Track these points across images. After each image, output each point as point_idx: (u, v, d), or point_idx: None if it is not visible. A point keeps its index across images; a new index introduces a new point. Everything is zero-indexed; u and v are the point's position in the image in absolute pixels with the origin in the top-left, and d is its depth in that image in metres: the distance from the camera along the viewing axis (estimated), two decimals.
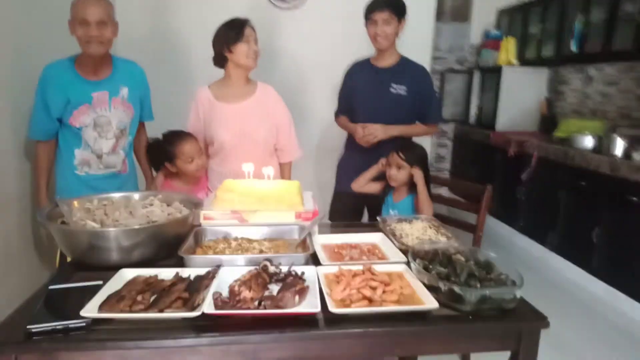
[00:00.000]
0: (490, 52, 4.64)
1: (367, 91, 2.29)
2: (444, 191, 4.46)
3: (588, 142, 3.19)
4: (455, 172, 5.16)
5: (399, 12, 2.19)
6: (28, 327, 0.98)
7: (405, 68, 2.28)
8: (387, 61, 2.28)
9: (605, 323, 2.71)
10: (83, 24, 1.72)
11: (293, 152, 2.19)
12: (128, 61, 2.00)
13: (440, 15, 4.76)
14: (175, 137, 1.99)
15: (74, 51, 1.88)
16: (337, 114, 2.49)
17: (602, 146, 3.03)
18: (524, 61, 4.33)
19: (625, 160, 2.78)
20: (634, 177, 2.65)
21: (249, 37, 1.96)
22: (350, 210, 2.35)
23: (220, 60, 2.02)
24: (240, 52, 1.96)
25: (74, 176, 1.90)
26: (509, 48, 4.39)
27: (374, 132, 2.18)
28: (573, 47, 3.62)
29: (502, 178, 4.15)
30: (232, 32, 1.95)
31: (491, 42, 4.68)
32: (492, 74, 4.41)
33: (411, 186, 2.03)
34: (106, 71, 1.88)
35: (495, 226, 4.20)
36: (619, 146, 2.91)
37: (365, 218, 2.46)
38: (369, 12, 2.20)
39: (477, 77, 4.70)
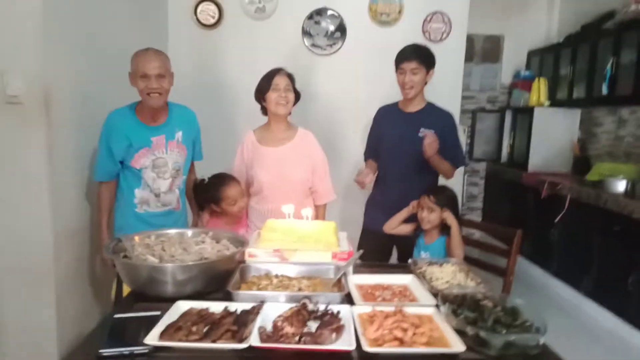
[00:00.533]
0: (521, 92, 4.71)
1: (396, 135, 2.40)
2: (476, 233, 4.49)
3: (621, 186, 3.19)
4: (487, 212, 5.17)
5: (428, 62, 2.32)
6: (99, 351, 1.12)
7: (432, 113, 2.41)
8: (415, 107, 2.41)
9: None
10: (144, 78, 1.92)
11: (327, 195, 2.31)
12: (182, 106, 2.20)
13: (471, 56, 4.91)
14: (220, 181, 2.16)
15: (133, 98, 2.08)
16: (366, 156, 2.62)
17: (636, 191, 3.02)
18: (555, 102, 4.38)
19: None
20: None
21: (279, 85, 2.12)
22: (379, 250, 2.40)
23: (263, 109, 2.22)
24: (270, 100, 2.14)
25: (133, 214, 2.07)
26: (540, 89, 4.45)
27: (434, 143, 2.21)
28: (604, 89, 3.66)
29: (534, 219, 4.14)
30: (264, 82, 2.15)
31: (522, 82, 4.76)
32: (524, 114, 4.47)
33: (442, 228, 2.11)
34: (163, 117, 2.07)
35: (528, 269, 4.17)
36: None
37: (394, 258, 2.53)
38: (399, 62, 2.34)
39: (508, 117, 4.76)
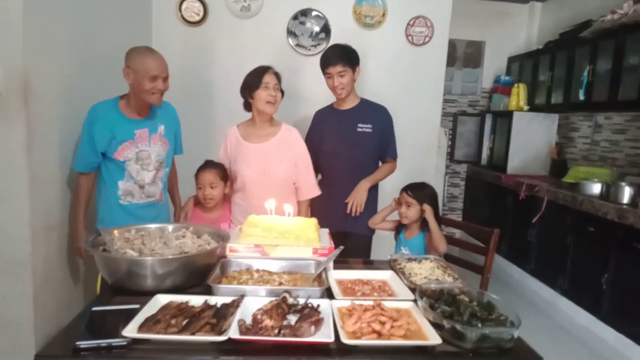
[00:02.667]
0: (501, 97, 4.81)
1: (335, 132, 2.44)
2: (457, 232, 4.56)
3: (596, 188, 3.28)
4: (468, 212, 5.26)
5: (353, 62, 2.37)
6: (76, 343, 1.11)
7: (368, 108, 2.47)
8: (350, 104, 2.47)
9: None
10: (153, 79, 1.93)
11: (311, 191, 2.32)
12: (164, 102, 2.19)
13: (453, 60, 4.99)
14: (203, 164, 2.24)
15: (116, 91, 2.09)
16: None
17: (610, 193, 3.12)
18: (534, 106, 4.48)
19: (631, 208, 2.86)
20: None
21: (268, 84, 2.13)
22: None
23: (247, 105, 2.23)
24: (258, 98, 2.15)
25: (117, 206, 2.07)
26: (519, 94, 4.55)
27: (359, 201, 2.36)
28: (581, 95, 3.76)
29: (513, 220, 4.23)
30: (253, 79, 2.16)
31: (502, 87, 4.86)
32: (503, 118, 4.56)
33: (422, 224, 2.15)
34: (146, 111, 2.08)
35: (506, 267, 4.25)
36: (627, 194, 2.99)
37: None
38: (324, 67, 2.38)
39: (489, 120, 4.85)
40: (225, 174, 2.23)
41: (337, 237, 2.43)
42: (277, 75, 2.21)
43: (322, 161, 2.49)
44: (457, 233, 4.57)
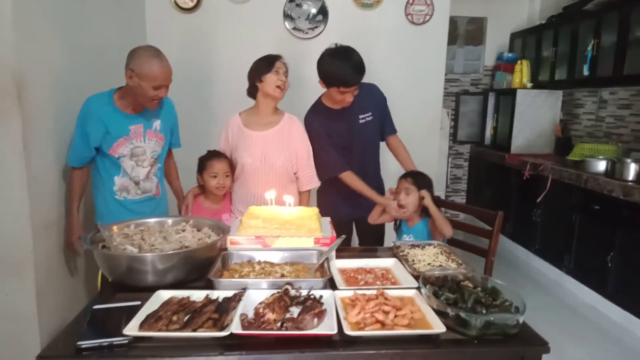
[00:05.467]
0: (504, 75, 4.73)
1: (339, 131, 2.30)
2: (460, 215, 4.53)
3: (601, 166, 3.24)
4: (472, 193, 5.22)
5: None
6: (78, 343, 1.11)
7: (362, 95, 2.26)
8: None
9: (619, 347, 2.73)
10: (157, 88, 1.88)
11: (311, 182, 2.28)
12: None
13: (454, 38, 4.90)
14: (211, 153, 2.21)
15: (110, 81, 2.05)
16: (343, 168, 2.31)
17: (615, 170, 3.07)
18: (537, 84, 4.40)
19: (637, 185, 2.82)
20: None
21: (279, 70, 2.11)
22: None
23: (252, 90, 2.19)
24: (269, 81, 2.11)
25: (114, 201, 2.05)
26: (523, 71, 4.47)
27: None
28: (585, 71, 3.69)
29: (517, 199, 4.20)
30: (264, 64, 2.13)
31: (505, 64, 4.78)
32: (507, 96, 4.49)
33: (423, 210, 2.13)
34: (141, 106, 2.03)
35: (511, 247, 4.24)
36: (632, 171, 2.95)
37: (355, 242, 2.55)
38: (340, 85, 2.12)
39: (491, 99, 4.78)
40: (232, 164, 2.21)
41: (349, 227, 2.42)
42: (286, 66, 2.18)
43: (331, 157, 2.33)
44: (461, 216, 4.55)
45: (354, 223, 2.50)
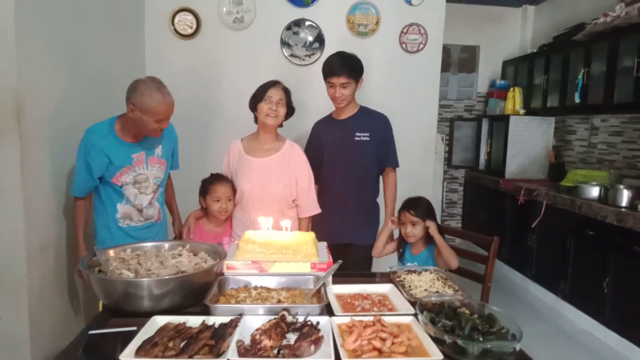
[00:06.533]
0: (497, 101, 4.82)
1: (333, 142, 2.42)
2: (456, 239, 4.54)
3: (594, 192, 3.28)
4: (467, 217, 5.25)
5: (357, 74, 2.33)
6: None
7: (367, 117, 2.44)
8: (348, 113, 2.44)
9: None
10: (159, 121, 1.91)
11: (311, 209, 2.29)
12: None
13: (447, 66, 5.01)
14: (214, 177, 2.23)
15: (111, 109, 2.07)
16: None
17: (609, 196, 3.11)
18: (530, 110, 4.49)
19: (630, 211, 2.85)
20: None
21: (272, 98, 2.13)
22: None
23: (255, 117, 2.22)
24: (260, 110, 2.14)
25: (116, 228, 2.05)
26: (515, 97, 4.56)
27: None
28: (576, 98, 3.77)
29: (512, 224, 4.22)
30: (259, 92, 2.16)
31: (497, 91, 4.89)
32: (500, 122, 4.57)
33: (427, 238, 2.13)
34: (143, 134, 2.03)
35: (507, 273, 4.24)
36: (625, 197, 2.99)
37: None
38: (327, 75, 2.33)
39: (485, 125, 4.86)
40: (234, 188, 2.22)
41: (338, 249, 2.39)
42: (285, 90, 2.19)
43: (322, 172, 2.46)
44: (457, 240, 4.56)
45: (349, 251, 2.43)
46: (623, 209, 2.92)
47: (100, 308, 1.49)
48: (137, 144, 2.02)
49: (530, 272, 3.93)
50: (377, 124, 2.45)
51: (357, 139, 2.40)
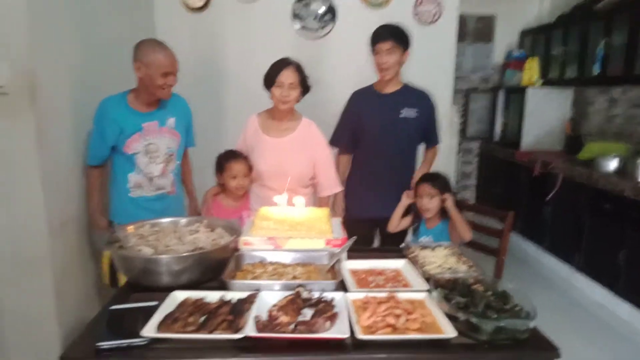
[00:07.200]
0: (514, 72, 4.70)
1: (377, 116, 2.36)
2: (469, 215, 4.53)
3: (612, 165, 3.22)
4: (481, 190, 5.21)
5: (403, 42, 2.28)
6: (97, 344, 1.14)
7: (412, 94, 2.38)
8: (392, 88, 2.37)
9: (629, 345, 2.73)
10: (166, 75, 1.95)
11: (332, 187, 2.28)
12: (174, 94, 2.17)
13: (463, 36, 4.87)
14: (229, 153, 2.22)
15: (124, 84, 2.09)
16: (335, 144, 2.47)
17: (626, 170, 3.06)
18: (547, 81, 4.38)
19: None
20: None
21: (283, 83, 2.07)
22: (361, 237, 2.38)
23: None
24: (273, 95, 2.12)
25: (127, 198, 2.10)
26: (532, 68, 4.44)
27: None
28: (596, 69, 3.66)
29: (528, 196, 4.19)
30: (271, 74, 2.11)
31: (514, 62, 4.75)
32: (516, 94, 4.47)
33: (442, 213, 2.14)
34: (155, 104, 2.09)
35: (521, 244, 4.23)
36: None
37: (376, 243, 2.55)
38: (374, 43, 2.29)
39: (501, 96, 4.76)
40: (250, 165, 2.22)
41: (374, 224, 2.42)
42: (299, 70, 2.11)
43: (360, 145, 2.42)
44: (471, 214, 4.54)
45: (379, 226, 2.45)
46: None
47: (107, 280, 1.54)
48: (149, 113, 2.07)
49: (544, 244, 3.92)
50: (424, 102, 2.39)
51: (403, 115, 2.34)
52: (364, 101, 2.42)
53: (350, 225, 2.42)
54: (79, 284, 2.14)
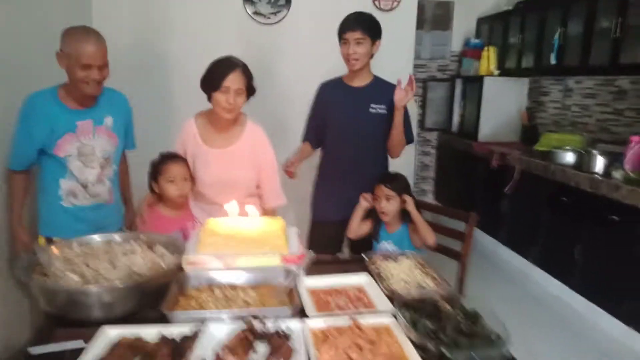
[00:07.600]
0: (471, 61, 4.67)
1: (345, 111, 2.23)
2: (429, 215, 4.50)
3: (569, 158, 3.24)
4: (439, 181, 5.20)
5: (373, 32, 2.14)
6: None
7: (382, 88, 2.23)
8: (362, 81, 2.24)
9: (583, 338, 2.77)
10: (85, 67, 1.70)
11: (276, 198, 2.09)
12: (111, 89, 1.95)
13: (421, 23, 4.78)
14: (165, 156, 1.98)
15: (55, 78, 1.84)
16: (305, 137, 2.41)
17: (583, 162, 3.08)
18: (504, 71, 4.37)
19: (605, 178, 2.83)
20: (613, 196, 2.70)
21: (229, 89, 1.82)
22: (330, 240, 2.29)
23: (208, 98, 1.93)
24: (216, 101, 1.86)
25: (59, 208, 1.86)
26: (489, 57, 4.43)
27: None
28: (552, 59, 3.67)
29: (485, 188, 4.20)
30: (213, 78, 1.85)
31: (472, 50, 4.72)
32: (474, 84, 4.45)
33: (403, 216, 2.03)
34: (91, 100, 1.85)
35: (479, 237, 4.25)
36: (599, 164, 2.95)
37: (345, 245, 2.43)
38: (342, 32, 2.16)
39: (459, 86, 4.73)
40: (189, 168, 2.00)
41: (341, 227, 2.26)
42: (246, 73, 1.87)
43: (328, 142, 2.30)
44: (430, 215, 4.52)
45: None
46: (597, 176, 2.89)
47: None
48: (83, 111, 1.83)
49: (502, 237, 3.95)
50: (390, 96, 2.21)
51: (373, 110, 2.20)
52: (331, 93, 2.29)
53: (320, 230, 2.34)
54: (8, 302, 1.89)
